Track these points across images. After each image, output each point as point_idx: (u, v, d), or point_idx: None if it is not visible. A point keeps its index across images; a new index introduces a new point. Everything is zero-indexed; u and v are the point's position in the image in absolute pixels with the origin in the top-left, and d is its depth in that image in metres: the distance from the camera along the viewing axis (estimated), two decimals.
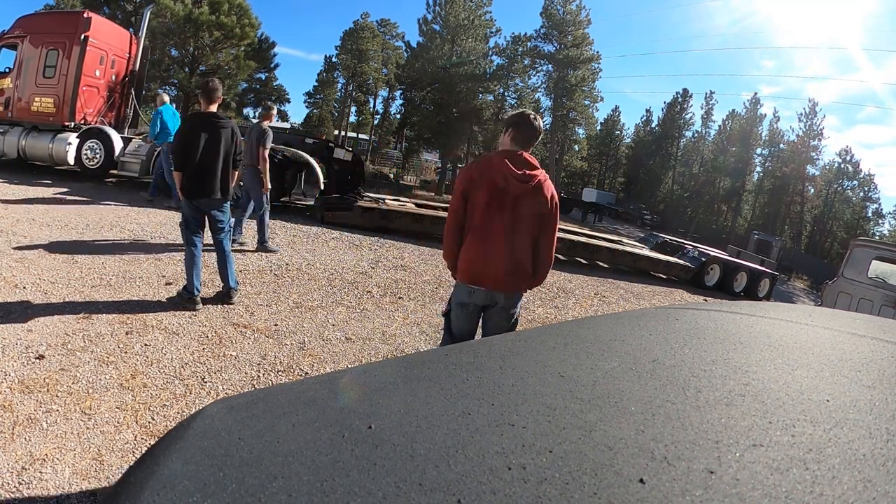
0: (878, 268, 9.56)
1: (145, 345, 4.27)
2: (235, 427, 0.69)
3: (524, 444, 0.64)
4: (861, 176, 55.08)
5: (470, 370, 0.89)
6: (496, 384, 0.82)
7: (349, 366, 4.56)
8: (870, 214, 55.39)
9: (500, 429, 0.68)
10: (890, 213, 55.67)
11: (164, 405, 3.45)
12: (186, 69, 23.35)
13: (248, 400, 0.77)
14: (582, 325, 1.28)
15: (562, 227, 16.51)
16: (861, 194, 55.35)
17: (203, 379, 3.89)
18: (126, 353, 4.09)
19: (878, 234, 53.28)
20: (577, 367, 0.91)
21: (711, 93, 61.86)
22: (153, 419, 3.28)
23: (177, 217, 8.31)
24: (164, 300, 5.33)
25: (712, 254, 14.74)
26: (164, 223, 9.02)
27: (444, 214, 12.62)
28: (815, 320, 1.46)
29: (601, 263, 13.15)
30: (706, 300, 12.35)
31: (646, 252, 14.20)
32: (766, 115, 57.77)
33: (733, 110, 59.38)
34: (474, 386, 0.81)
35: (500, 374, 0.87)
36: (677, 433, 0.68)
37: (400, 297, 6.83)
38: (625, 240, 17.11)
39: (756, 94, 57.62)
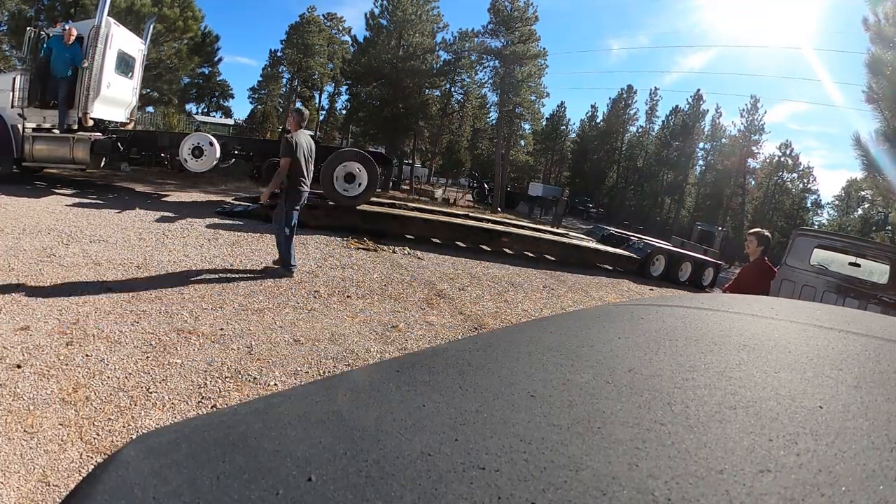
0: (819, 256, 9.90)
1: (87, 356, 4.05)
2: (151, 481, 0.57)
3: (500, 497, 0.53)
4: (800, 168, 57.20)
5: (426, 393, 0.77)
6: (458, 411, 0.71)
7: (298, 369, 4.45)
8: (809, 205, 57.76)
9: (468, 474, 0.56)
10: (828, 203, 57.84)
11: (109, 419, 3.29)
12: None
13: (170, 438, 0.65)
14: (543, 329, 1.19)
15: (508, 220, 16.65)
16: (801, 186, 57.42)
17: (148, 389, 3.72)
18: (67, 365, 3.87)
19: (816, 223, 55.37)
20: (548, 383, 0.82)
21: (656, 89, 63.51)
22: (98, 434, 3.12)
23: (108, 216, 7.98)
24: (104, 308, 5.11)
25: (657, 245, 15.03)
26: (102, 225, 8.67)
27: (392, 211, 12.62)
28: (779, 313, 1.42)
29: (548, 256, 13.25)
30: (652, 289, 12.62)
31: (592, 244, 14.44)
32: (708, 110, 59.50)
33: (677, 106, 60.92)
34: (432, 415, 0.69)
35: (462, 396, 0.76)
36: (675, 464, 0.58)
37: (348, 296, 6.70)
38: (571, 232, 17.30)
39: (699, 90, 58.98)
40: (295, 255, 7.40)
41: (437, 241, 12.36)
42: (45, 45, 11.61)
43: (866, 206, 51.87)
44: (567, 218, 42.76)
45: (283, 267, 7.29)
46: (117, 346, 4.33)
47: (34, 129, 11.89)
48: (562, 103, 68.54)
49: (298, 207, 7.25)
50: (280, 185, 7.12)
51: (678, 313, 1.35)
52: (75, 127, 12.01)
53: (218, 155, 12.27)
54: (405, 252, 10.59)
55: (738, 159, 54.83)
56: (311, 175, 7.38)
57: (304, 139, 7.17)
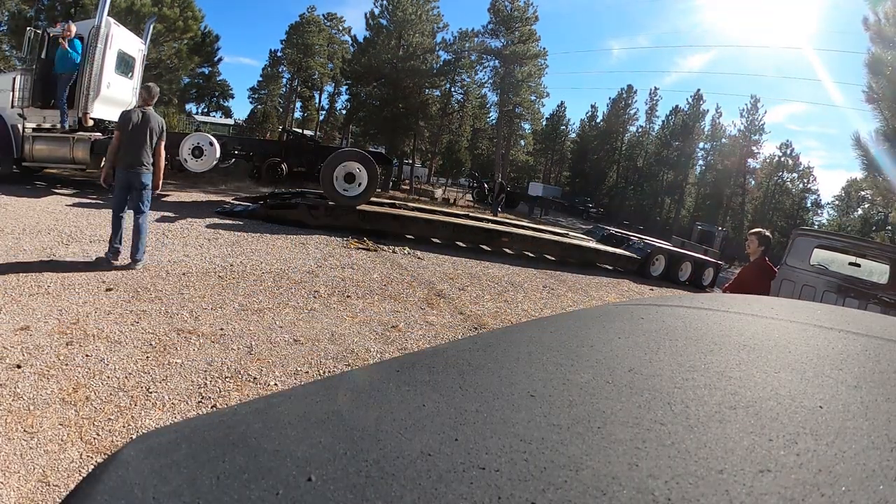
0: (819, 255, 9.89)
1: (87, 356, 4.04)
2: (151, 482, 0.57)
3: (500, 497, 0.53)
4: (800, 168, 57.23)
5: (426, 392, 0.77)
6: (458, 411, 0.70)
7: (298, 369, 4.45)
8: (809, 205, 57.77)
9: (468, 474, 0.56)
10: (828, 203, 57.87)
11: (109, 419, 3.28)
12: None
13: (170, 438, 0.65)
14: (543, 329, 1.18)
15: (509, 220, 16.65)
16: (801, 186, 57.47)
17: (148, 389, 3.71)
18: (67, 365, 3.86)
19: (816, 223, 55.39)
20: (548, 382, 0.81)
21: (656, 89, 63.58)
22: (98, 434, 3.11)
23: (108, 216, 8.00)
24: (104, 308, 5.10)
25: (657, 245, 15.03)
26: (103, 225, 8.66)
27: (392, 211, 12.61)
28: (779, 313, 1.42)
29: (548, 256, 13.24)
30: (652, 289, 12.62)
31: (592, 244, 14.45)
32: (708, 110, 59.50)
33: (677, 106, 60.94)
34: (432, 415, 0.69)
35: (462, 396, 0.76)
36: (675, 464, 0.58)
37: (348, 296, 6.70)
38: (571, 232, 17.30)
39: (699, 90, 59.04)
40: (122, 238, 6.75)
41: (437, 241, 12.35)
42: (52, 45, 11.64)
43: (866, 206, 51.88)
44: (568, 217, 42.71)
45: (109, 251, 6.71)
46: (117, 346, 4.32)
47: (34, 129, 11.90)
48: (562, 103, 68.75)
49: (113, 184, 6.98)
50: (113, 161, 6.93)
51: (678, 313, 1.34)
52: (76, 127, 12.02)
53: (218, 155, 12.29)
54: (405, 252, 10.59)
55: (737, 159, 54.92)
56: (141, 151, 6.82)
57: (136, 115, 6.80)
